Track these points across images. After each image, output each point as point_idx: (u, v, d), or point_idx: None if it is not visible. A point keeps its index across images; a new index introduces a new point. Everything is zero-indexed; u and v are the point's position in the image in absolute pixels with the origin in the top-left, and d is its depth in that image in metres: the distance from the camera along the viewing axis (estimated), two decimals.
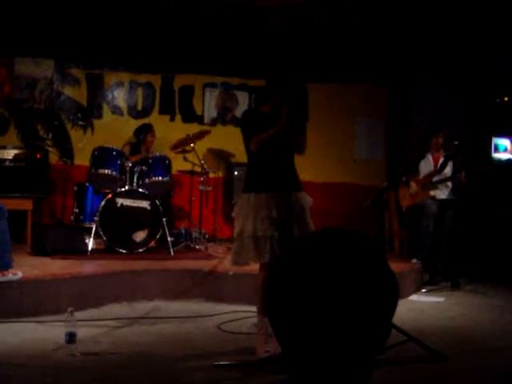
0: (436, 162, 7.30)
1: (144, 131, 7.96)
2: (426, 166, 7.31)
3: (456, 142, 6.93)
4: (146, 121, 8.42)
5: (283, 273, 0.86)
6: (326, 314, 0.94)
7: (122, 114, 8.74)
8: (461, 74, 8.35)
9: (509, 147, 8.76)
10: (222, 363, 3.81)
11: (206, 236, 7.70)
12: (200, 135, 7.60)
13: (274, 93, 4.17)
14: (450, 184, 7.21)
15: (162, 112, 8.91)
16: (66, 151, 8.24)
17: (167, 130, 8.63)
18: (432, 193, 7.21)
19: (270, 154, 4.05)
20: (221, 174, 8.98)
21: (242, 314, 5.02)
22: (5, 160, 7.42)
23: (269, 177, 4.03)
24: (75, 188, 7.48)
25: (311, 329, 0.93)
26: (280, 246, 3.92)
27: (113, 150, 6.99)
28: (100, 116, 8.65)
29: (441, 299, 6.28)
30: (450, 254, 7.02)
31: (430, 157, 7.33)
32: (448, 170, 7.21)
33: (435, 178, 7.22)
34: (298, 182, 4.15)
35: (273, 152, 4.04)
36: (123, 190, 6.85)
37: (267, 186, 4.02)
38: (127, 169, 6.95)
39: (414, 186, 7.25)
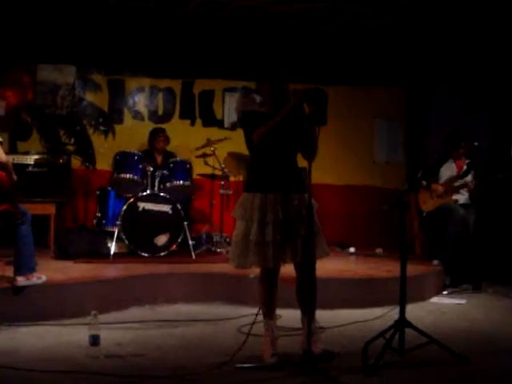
0: (459, 168, 7.29)
1: (151, 136, 8.00)
2: (449, 170, 7.29)
3: (476, 143, 6.91)
4: (166, 126, 8.44)
5: None
6: None
7: (142, 119, 8.80)
8: (482, 75, 8.30)
9: None
10: (244, 365, 3.84)
11: (227, 239, 7.71)
12: (219, 140, 7.68)
13: (262, 84, 4.13)
14: None
15: (182, 117, 8.96)
16: (88, 156, 8.30)
17: (188, 135, 8.67)
18: (454, 197, 7.21)
19: (274, 154, 3.98)
20: (241, 178, 8.99)
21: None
22: (28, 165, 7.49)
23: (275, 177, 3.95)
24: (97, 192, 7.53)
25: None
26: (283, 250, 3.88)
27: (134, 154, 7.05)
28: (121, 121, 8.72)
29: (462, 301, 6.26)
30: (473, 256, 6.99)
31: (452, 162, 7.32)
32: (469, 177, 7.21)
33: (457, 183, 7.22)
34: (303, 183, 4.04)
35: (277, 152, 3.98)
36: (145, 194, 6.90)
37: (274, 186, 3.93)
38: (148, 173, 7.01)
39: (439, 188, 7.22)
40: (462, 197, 7.26)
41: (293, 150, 4.05)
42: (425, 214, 7.41)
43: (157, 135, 7.95)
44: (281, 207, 3.89)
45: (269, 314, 4.06)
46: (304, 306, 4.00)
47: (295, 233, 3.87)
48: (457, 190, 7.22)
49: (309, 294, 3.93)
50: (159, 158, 7.84)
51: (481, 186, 7.13)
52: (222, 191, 7.78)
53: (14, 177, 4.99)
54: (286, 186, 3.93)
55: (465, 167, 7.25)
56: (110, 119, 8.62)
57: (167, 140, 8.02)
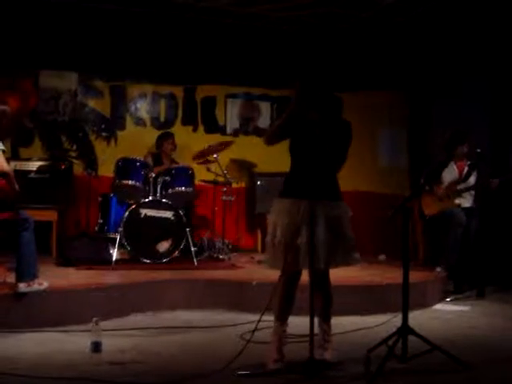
0: (460, 171, 7.26)
1: (160, 140, 8.02)
2: (450, 174, 7.25)
3: (478, 150, 6.89)
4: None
5: None
6: None
7: (144, 125, 8.82)
8: (483, 80, 8.30)
9: None
10: (245, 373, 3.82)
11: (229, 246, 7.71)
12: (222, 146, 7.63)
13: (293, 87, 4.18)
14: (472, 192, 7.20)
15: (184, 123, 8.97)
16: (91, 162, 8.30)
17: (190, 141, 8.67)
18: (457, 201, 7.18)
19: (308, 161, 3.99)
20: (243, 184, 9.00)
21: (265, 324, 5.02)
22: (30, 171, 7.51)
23: (295, 183, 3.98)
24: (99, 199, 7.52)
25: None
26: (307, 256, 3.84)
27: (136, 160, 7.04)
28: (123, 127, 8.73)
29: (466, 308, 6.24)
30: (476, 262, 6.97)
31: (453, 165, 7.28)
32: (472, 179, 7.18)
33: (460, 186, 7.19)
34: (334, 191, 4.12)
35: (310, 159, 3.97)
36: (147, 200, 6.89)
37: (303, 192, 3.91)
38: (151, 179, 7.00)
39: (441, 190, 7.19)
40: (464, 200, 7.22)
41: (327, 159, 4.03)
42: (427, 218, 7.38)
43: (165, 140, 7.97)
44: (306, 213, 3.87)
45: (281, 316, 4.05)
46: (319, 312, 4.03)
47: (319, 240, 3.85)
48: (459, 194, 7.19)
49: (319, 301, 4.01)
50: (167, 163, 7.84)
51: (500, 185, 7.08)
52: (224, 197, 7.77)
53: (16, 186, 4.99)
54: (316, 192, 3.90)
55: (466, 169, 7.22)
56: (112, 125, 8.63)
57: (175, 146, 8.04)
